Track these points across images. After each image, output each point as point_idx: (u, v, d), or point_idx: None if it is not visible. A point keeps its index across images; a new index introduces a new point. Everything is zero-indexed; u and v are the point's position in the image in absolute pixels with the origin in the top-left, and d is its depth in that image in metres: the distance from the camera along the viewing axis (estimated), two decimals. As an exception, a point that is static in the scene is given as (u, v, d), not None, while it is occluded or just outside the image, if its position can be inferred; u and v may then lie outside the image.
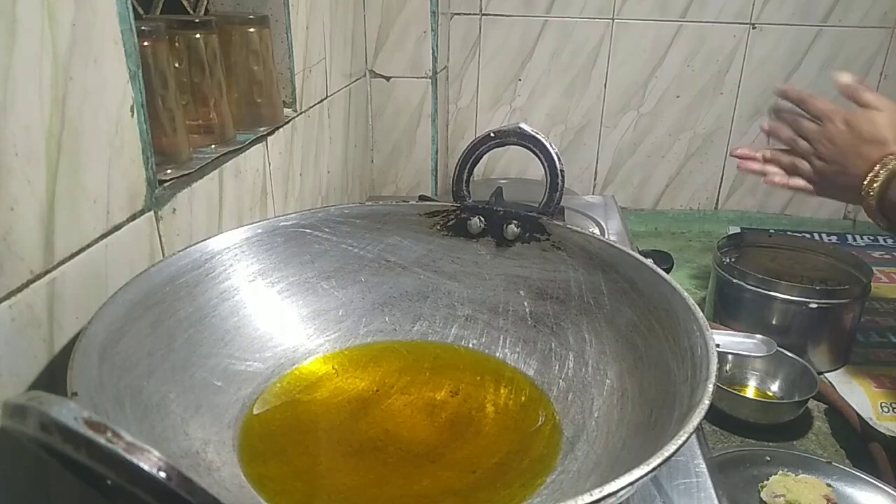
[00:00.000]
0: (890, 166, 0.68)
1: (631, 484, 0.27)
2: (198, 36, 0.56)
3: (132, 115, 0.43)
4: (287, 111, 0.73)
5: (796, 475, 0.69)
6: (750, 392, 0.87)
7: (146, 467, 0.21)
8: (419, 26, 1.04)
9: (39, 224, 0.35)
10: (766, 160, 0.80)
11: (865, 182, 0.69)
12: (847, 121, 0.72)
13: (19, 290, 0.33)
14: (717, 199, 1.39)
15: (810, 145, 0.75)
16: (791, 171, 0.78)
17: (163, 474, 0.21)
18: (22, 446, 0.23)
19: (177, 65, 0.54)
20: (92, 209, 0.39)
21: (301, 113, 0.75)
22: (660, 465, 0.28)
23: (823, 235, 1.31)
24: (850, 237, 1.32)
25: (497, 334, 0.51)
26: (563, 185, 0.50)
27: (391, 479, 0.40)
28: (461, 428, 0.44)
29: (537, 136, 0.50)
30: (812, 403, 0.83)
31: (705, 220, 1.37)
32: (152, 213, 0.46)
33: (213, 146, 0.58)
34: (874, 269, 0.92)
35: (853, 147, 0.71)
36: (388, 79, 1.08)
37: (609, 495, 0.27)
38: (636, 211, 1.40)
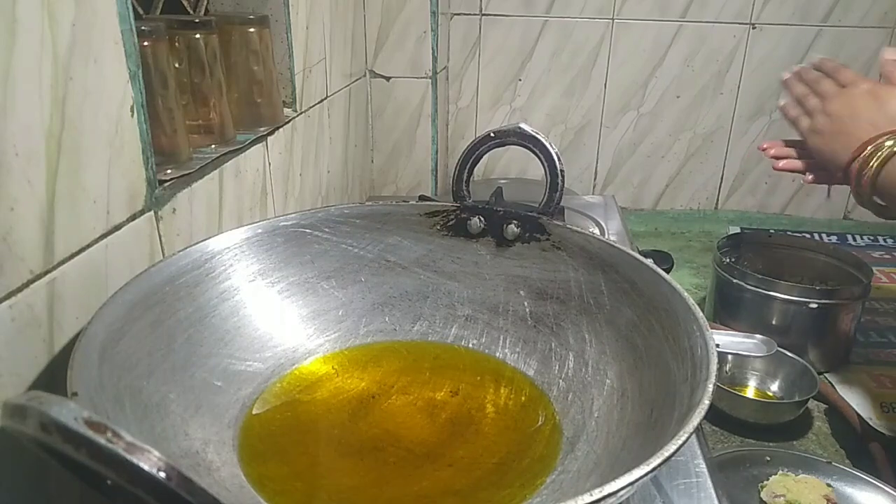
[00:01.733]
0: (890, 143, 0.64)
1: (631, 484, 0.27)
2: (198, 36, 0.56)
3: (132, 115, 0.43)
4: (287, 111, 0.73)
5: (796, 475, 0.69)
6: (750, 392, 0.87)
7: (146, 467, 0.21)
8: (419, 26, 1.04)
9: (39, 224, 0.35)
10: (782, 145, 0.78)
11: (861, 157, 0.65)
12: (872, 89, 0.69)
13: (19, 290, 0.33)
14: (717, 199, 1.39)
15: (821, 102, 0.72)
16: (793, 122, 0.76)
17: (163, 474, 0.21)
18: (22, 446, 0.23)
19: (177, 65, 0.54)
20: (92, 209, 0.39)
21: (301, 113, 0.75)
22: (660, 465, 0.28)
23: (823, 235, 1.31)
24: (850, 237, 1.32)
25: (497, 334, 0.51)
26: (563, 185, 0.50)
27: (391, 479, 0.40)
28: (461, 428, 0.44)
29: (537, 136, 0.50)
30: (812, 403, 0.83)
31: (705, 220, 1.38)
32: (152, 213, 0.46)
33: (213, 146, 0.58)
34: (874, 269, 0.92)
35: (868, 112, 0.67)
36: (388, 79, 1.08)
37: (609, 495, 0.27)
38: (636, 211, 1.40)
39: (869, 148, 0.65)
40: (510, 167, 1.37)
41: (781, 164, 0.76)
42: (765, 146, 0.79)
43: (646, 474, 0.28)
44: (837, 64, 0.75)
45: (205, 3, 0.68)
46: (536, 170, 0.52)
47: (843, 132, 0.68)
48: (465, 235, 0.53)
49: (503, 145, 0.52)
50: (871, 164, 0.64)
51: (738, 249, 1.01)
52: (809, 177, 0.75)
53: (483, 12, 1.27)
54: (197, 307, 0.43)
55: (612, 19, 1.27)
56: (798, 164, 0.76)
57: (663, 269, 0.44)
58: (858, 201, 0.68)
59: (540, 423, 0.44)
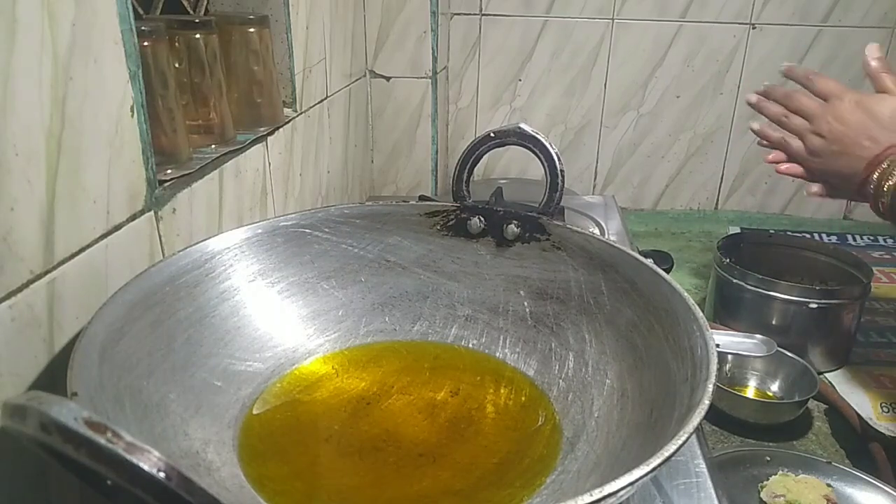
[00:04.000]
0: None
1: (631, 484, 0.27)
2: (198, 36, 0.56)
3: (132, 115, 0.43)
4: (287, 111, 0.73)
5: (796, 475, 0.69)
6: (750, 392, 0.87)
7: (146, 467, 0.21)
8: (419, 26, 1.04)
9: (39, 224, 0.35)
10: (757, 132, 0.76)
11: (877, 174, 0.63)
12: (858, 101, 0.66)
13: (19, 290, 0.33)
14: (717, 199, 1.39)
15: (807, 122, 0.69)
16: (779, 146, 0.72)
17: (163, 474, 0.21)
18: (22, 446, 0.23)
19: (177, 65, 0.54)
20: (92, 209, 0.39)
21: (301, 113, 0.76)
22: (660, 465, 0.28)
23: (823, 235, 1.31)
24: (850, 237, 1.32)
25: (497, 334, 0.51)
26: (563, 185, 0.50)
27: (391, 479, 0.40)
28: (461, 428, 0.44)
29: (537, 136, 0.50)
30: (812, 403, 0.83)
31: (705, 220, 1.37)
32: (152, 213, 0.46)
33: (213, 146, 0.58)
34: (874, 269, 0.92)
35: (863, 128, 0.64)
36: (388, 79, 1.08)
37: (609, 495, 0.27)
38: (636, 211, 1.40)
39: (884, 164, 0.63)
40: (510, 167, 1.37)
41: (784, 167, 0.74)
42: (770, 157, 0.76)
43: (646, 474, 0.28)
44: (807, 70, 0.72)
45: (205, 3, 0.68)
46: (536, 170, 0.52)
47: (843, 152, 0.66)
48: (465, 235, 0.53)
49: (503, 145, 0.52)
50: (891, 180, 0.62)
51: (738, 249, 1.01)
52: (814, 188, 0.72)
53: (483, 12, 1.27)
54: (197, 307, 0.43)
55: (612, 19, 1.27)
56: (800, 169, 0.73)
57: (663, 269, 0.44)
58: (883, 217, 0.66)
59: (540, 423, 0.44)
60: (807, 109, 0.70)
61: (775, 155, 0.75)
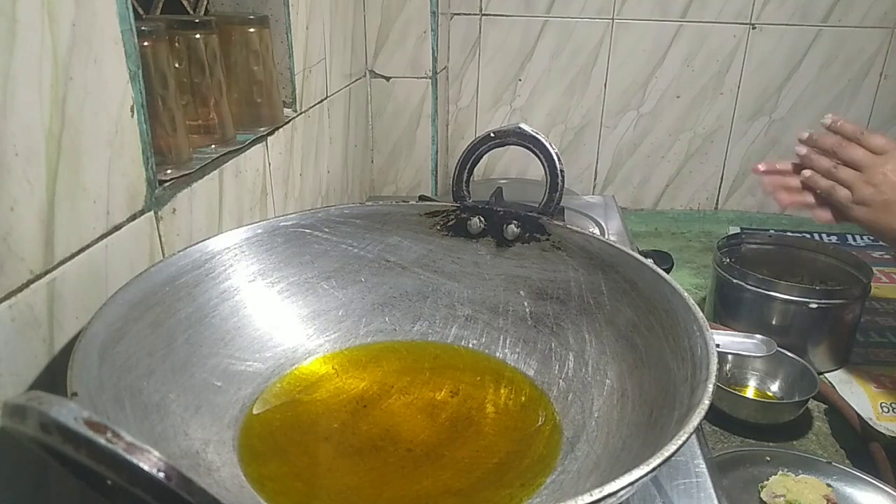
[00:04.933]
0: None
1: (631, 484, 0.27)
2: (198, 36, 0.56)
3: (132, 115, 0.43)
4: (287, 111, 0.73)
5: (796, 475, 0.69)
6: (750, 392, 0.87)
7: (146, 467, 0.21)
8: (419, 26, 1.04)
9: (39, 224, 0.35)
10: (796, 181, 0.77)
11: None
12: None
13: (19, 290, 0.33)
14: (717, 199, 1.39)
15: (858, 172, 0.70)
16: (827, 193, 0.73)
17: (162, 474, 0.21)
18: (22, 446, 0.23)
19: (177, 65, 0.54)
20: (92, 209, 0.39)
21: (301, 113, 0.75)
22: (660, 465, 0.28)
23: (823, 235, 1.31)
24: (850, 237, 1.32)
25: (497, 334, 0.51)
26: (563, 185, 0.50)
27: (391, 479, 0.40)
28: (461, 428, 0.44)
29: (537, 136, 0.50)
30: (812, 403, 0.83)
31: (705, 220, 1.37)
32: (152, 213, 0.46)
33: (213, 146, 0.58)
34: (874, 269, 0.92)
35: None
36: (388, 79, 1.08)
37: (609, 495, 0.27)
38: (636, 211, 1.40)
39: None
40: (510, 167, 1.37)
41: (786, 201, 0.75)
42: (762, 168, 0.78)
43: (646, 474, 0.28)
44: (857, 127, 0.73)
45: (205, 3, 0.68)
46: (536, 170, 0.52)
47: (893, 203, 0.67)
48: (465, 235, 0.53)
49: (503, 145, 0.52)
50: None
51: (738, 249, 1.01)
52: (824, 215, 0.73)
53: (483, 12, 1.27)
54: (197, 307, 0.43)
55: (612, 19, 1.27)
56: (805, 199, 0.74)
57: (663, 269, 0.44)
58: None
59: (540, 423, 0.44)
60: (859, 160, 0.71)
61: (767, 165, 0.77)
